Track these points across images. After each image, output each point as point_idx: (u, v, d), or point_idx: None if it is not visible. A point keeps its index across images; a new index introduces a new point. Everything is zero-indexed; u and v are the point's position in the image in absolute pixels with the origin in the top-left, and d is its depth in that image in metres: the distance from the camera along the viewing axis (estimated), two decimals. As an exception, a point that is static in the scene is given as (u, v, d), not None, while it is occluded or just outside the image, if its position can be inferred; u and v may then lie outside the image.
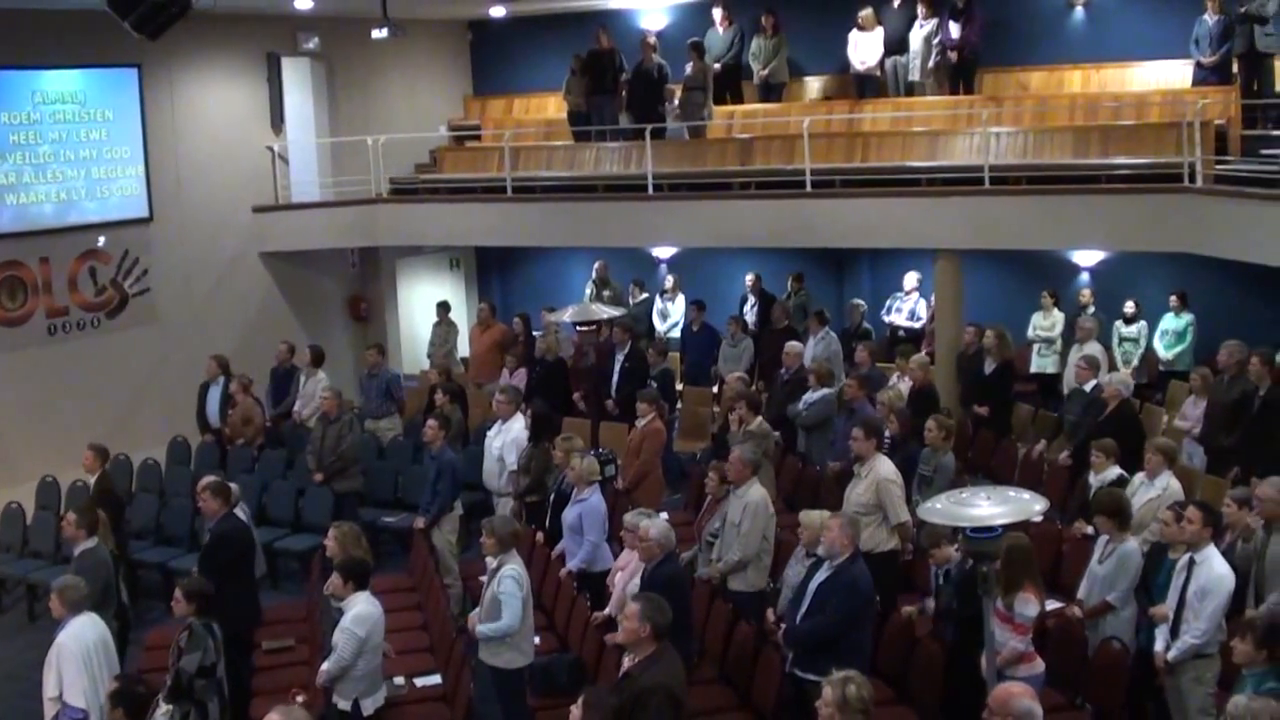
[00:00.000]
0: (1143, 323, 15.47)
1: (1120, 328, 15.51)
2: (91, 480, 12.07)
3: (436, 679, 9.56)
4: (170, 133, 17.50)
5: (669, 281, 18.47)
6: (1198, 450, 12.20)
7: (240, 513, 10.36)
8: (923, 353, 15.02)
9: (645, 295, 18.59)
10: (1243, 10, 14.66)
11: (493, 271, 21.75)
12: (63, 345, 16.35)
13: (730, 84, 18.58)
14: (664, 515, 9.70)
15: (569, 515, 10.58)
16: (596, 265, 18.60)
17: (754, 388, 14.04)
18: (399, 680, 9.30)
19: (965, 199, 15.12)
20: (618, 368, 15.15)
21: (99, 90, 16.64)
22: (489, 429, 12.88)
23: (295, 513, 13.57)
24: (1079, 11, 17.43)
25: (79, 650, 8.09)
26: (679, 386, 16.45)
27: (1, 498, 13.96)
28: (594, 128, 18.41)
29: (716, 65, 18.26)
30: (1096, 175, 14.83)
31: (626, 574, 9.40)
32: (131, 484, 14.49)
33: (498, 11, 19.52)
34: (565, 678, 9.12)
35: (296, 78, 18.99)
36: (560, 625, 10.29)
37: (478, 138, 20.59)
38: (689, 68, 17.82)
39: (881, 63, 17.63)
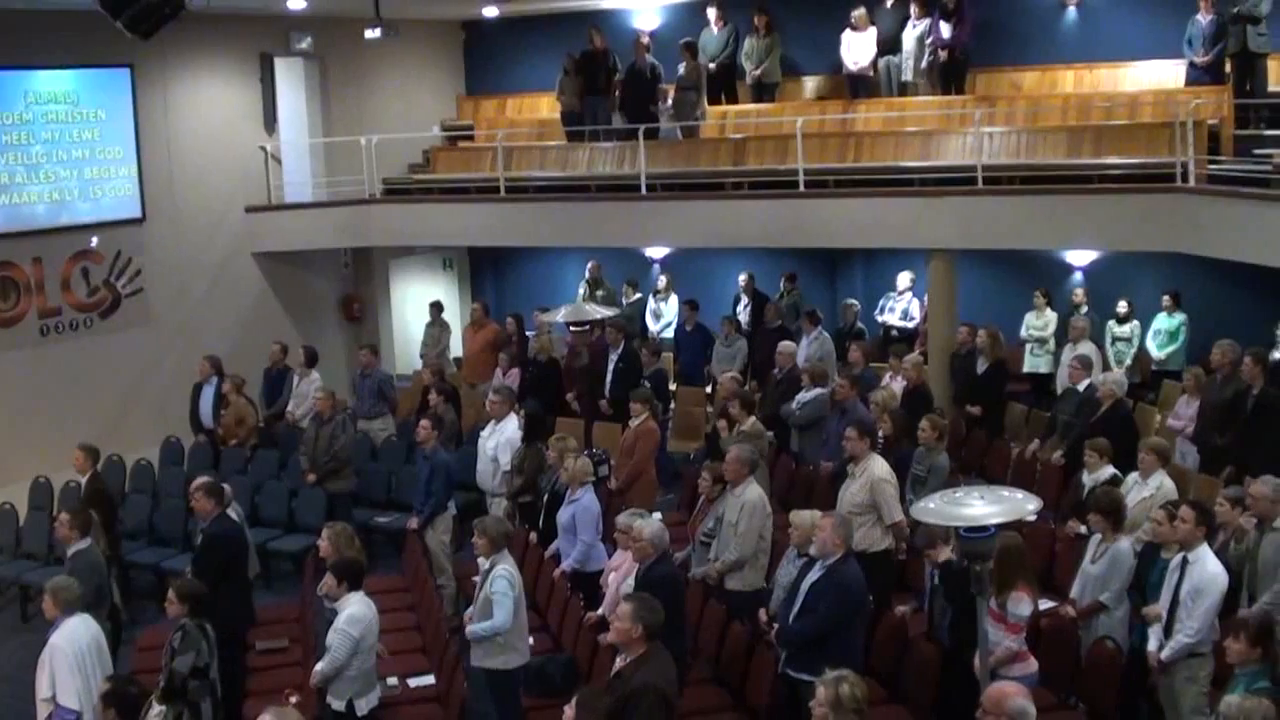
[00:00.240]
0: (1135, 322, 15.47)
1: (1113, 327, 15.51)
2: (83, 480, 12.05)
3: (430, 679, 9.56)
4: (163, 133, 17.48)
5: (662, 281, 18.46)
6: (1191, 450, 12.20)
7: (233, 513, 10.34)
8: (916, 352, 15.02)
9: (638, 295, 18.58)
10: (1236, 10, 14.68)
11: (486, 272, 21.73)
12: (55, 346, 16.33)
13: (725, 84, 18.59)
14: (657, 515, 9.70)
15: (563, 516, 10.58)
16: (590, 265, 18.59)
17: (747, 387, 14.04)
18: (392, 681, 9.30)
19: (958, 199, 15.12)
20: (611, 368, 15.14)
21: (91, 90, 16.62)
22: (482, 429, 12.87)
23: (288, 513, 13.55)
24: (1071, 11, 17.43)
25: (72, 651, 8.08)
26: (672, 387, 16.45)
27: (-6, 499, 13.95)
28: (587, 128, 18.40)
29: (711, 65, 18.27)
30: (1089, 175, 14.85)
31: (620, 574, 9.40)
32: (124, 484, 14.48)
33: (491, 11, 19.52)
34: (559, 678, 9.13)
35: (289, 78, 18.96)
36: (554, 625, 10.29)
37: (471, 138, 20.57)
38: (682, 68, 17.82)
39: (874, 63, 17.63)
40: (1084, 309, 15.52)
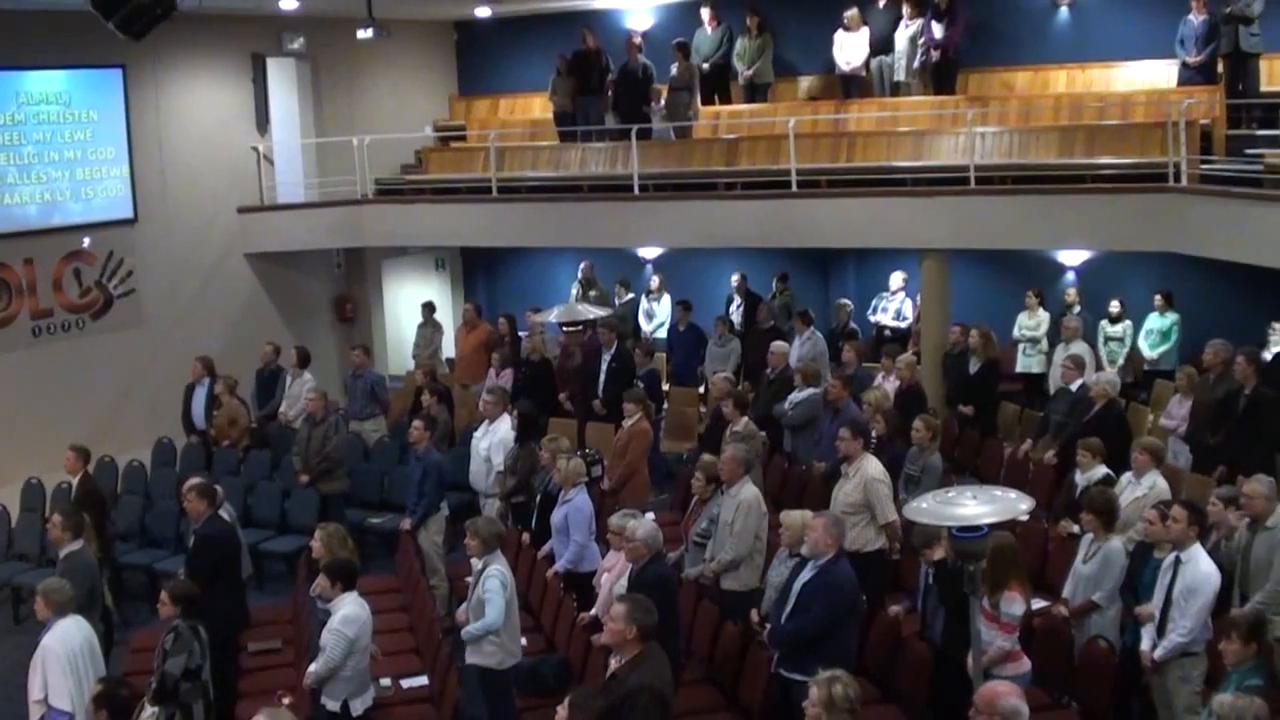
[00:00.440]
0: (1128, 322, 15.49)
1: (1105, 327, 15.52)
2: (74, 482, 12.03)
3: (423, 680, 9.56)
4: (155, 133, 17.46)
5: (654, 282, 18.47)
6: (1183, 449, 12.22)
7: (225, 514, 10.32)
8: (909, 352, 15.03)
9: (631, 295, 18.58)
10: (1228, 10, 14.70)
11: (478, 272, 21.72)
12: (47, 347, 16.30)
13: (719, 84, 18.59)
14: (650, 515, 9.70)
15: (556, 516, 10.58)
16: (582, 265, 18.58)
17: (740, 388, 14.04)
18: (385, 682, 9.29)
19: (951, 199, 15.14)
20: (604, 368, 15.14)
21: (83, 91, 16.59)
22: (475, 430, 12.86)
23: (281, 514, 13.54)
24: (1064, 12, 17.46)
25: (64, 653, 8.06)
26: (665, 387, 16.46)
27: (-14, 500, 13.92)
28: (580, 128, 18.39)
29: (705, 65, 18.27)
30: (1082, 175, 14.86)
31: (613, 575, 9.39)
32: (117, 486, 14.44)
33: (483, 12, 19.51)
34: (552, 678, 9.13)
35: (281, 78, 18.94)
36: (547, 626, 10.29)
37: (463, 138, 20.56)
38: (674, 68, 17.83)
39: (867, 63, 17.64)
40: (1076, 309, 15.53)
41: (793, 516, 9.04)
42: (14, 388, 15.81)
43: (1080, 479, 10.39)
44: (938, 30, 16.87)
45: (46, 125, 16.27)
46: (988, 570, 7.54)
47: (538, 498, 11.35)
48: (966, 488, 6.93)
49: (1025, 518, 8.82)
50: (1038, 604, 9.02)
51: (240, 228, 18.53)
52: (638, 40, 18.41)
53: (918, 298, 16.57)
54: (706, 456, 10.76)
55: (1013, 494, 6.80)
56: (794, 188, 16.02)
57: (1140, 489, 9.89)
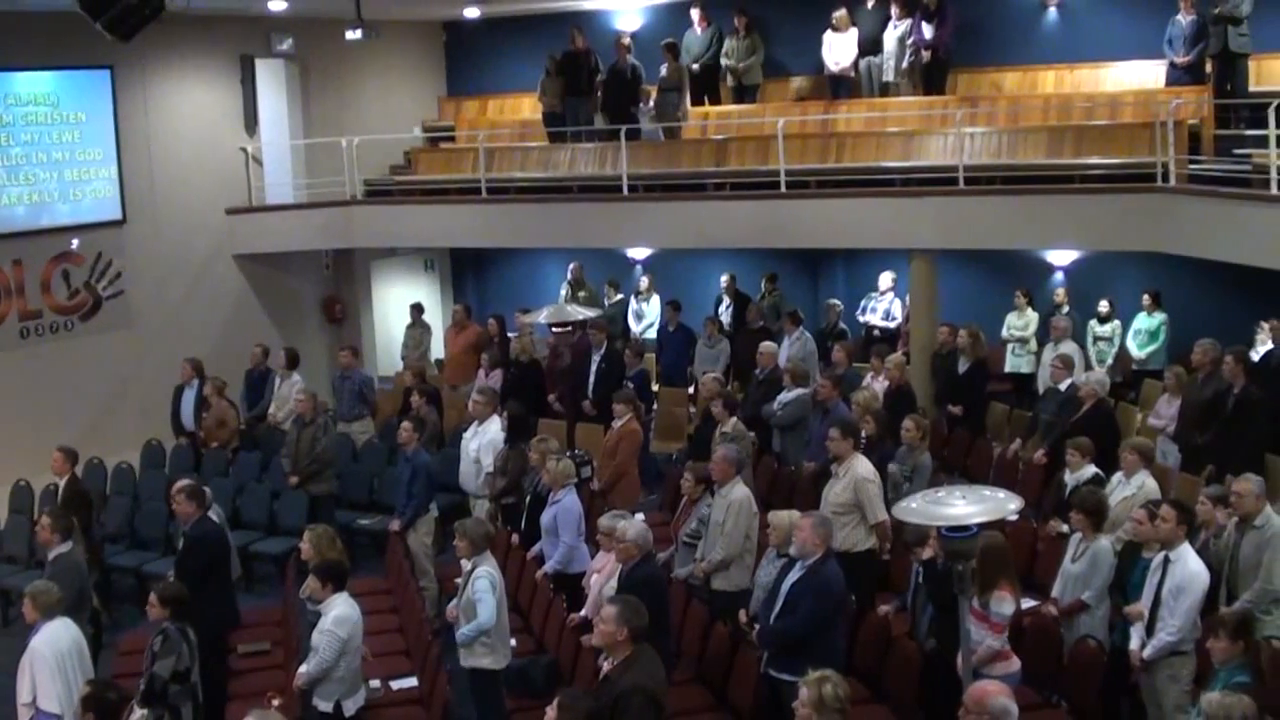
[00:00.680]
0: (1116, 322, 15.51)
1: (1094, 327, 15.55)
2: (61, 483, 11.99)
3: (413, 681, 9.55)
4: (143, 135, 17.45)
5: (644, 282, 18.46)
6: (1172, 449, 12.24)
7: (214, 516, 10.29)
8: (898, 353, 15.04)
9: (620, 296, 18.57)
10: (1216, 11, 14.73)
11: (467, 273, 21.71)
12: (36, 348, 16.28)
13: (709, 85, 18.59)
14: (640, 516, 9.70)
15: (545, 517, 10.56)
16: (571, 266, 18.57)
17: (729, 388, 14.04)
18: (375, 683, 9.26)
19: (940, 199, 15.16)
20: (593, 369, 15.13)
21: (71, 92, 16.57)
22: (465, 431, 12.85)
23: (270, 516, 13.50)
24: (1052, 12, 17.47)
25: (52, 655, 8.04)
26: (655, 387, 16.45)
27: (-26, 502, 13.88)
28: (569, 128, 18.39)
29: (695, 66, 18.27)
30: (1070, 175, 14.89)
31: (603, 576, 9.39)
32: (105, 487, 14.41)
33: (472, 12, 19.51)
34: (541, 679, 9.14)
35: (270, 79, 18.92)
36: (537, 627, 10.28)
37: (452, 139, 20.55)
38: (663, 69, 17.83)
39: (856, 63, 17.66)
40: (1065, 309, 15.55)
41: (780, 517, 9.04)
42: (2, 389, 15.80)
43: (1069, 479, 10.40)
44: (926, 31, 16.88)
45: (34, 126, 16.24)
46: (977, 570, 7.55)
47: (527, 499, 11.33)
48: (956, 487, 6.94)
49: (1014, 517, 8.86)
50: (1027, 603, 9.03)
51: (229, 229, 18.51)
52: (627, 41, 18.40)
53: (907, 298, 16.58)
54: (695, 462, 10.77)
55: (1002, 494, 6.80)
56: (783, 188, 16.03)
57: (1129, 488, 9.90)
